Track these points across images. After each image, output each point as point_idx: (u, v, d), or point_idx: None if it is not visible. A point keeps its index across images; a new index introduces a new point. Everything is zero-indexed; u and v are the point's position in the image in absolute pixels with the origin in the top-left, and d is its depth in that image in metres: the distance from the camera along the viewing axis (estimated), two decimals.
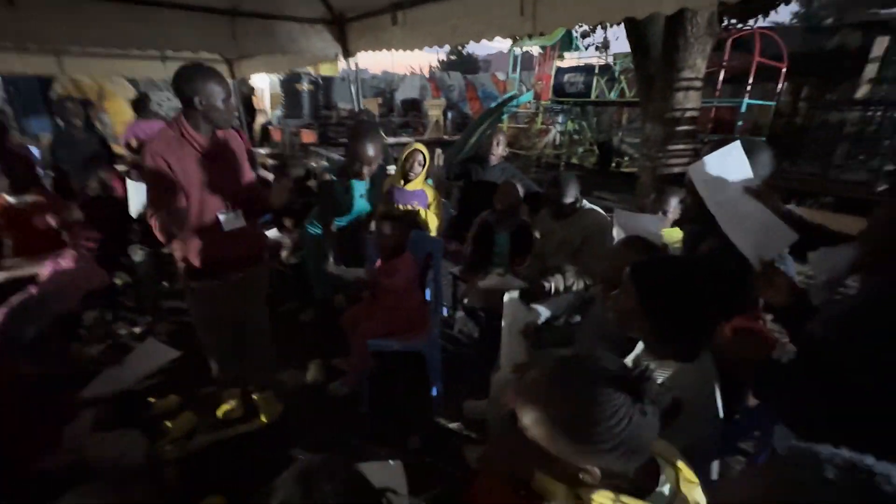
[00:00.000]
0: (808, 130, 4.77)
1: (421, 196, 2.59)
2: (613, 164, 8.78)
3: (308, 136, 9.10)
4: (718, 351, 1.00)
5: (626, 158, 8.89)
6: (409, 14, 3.36)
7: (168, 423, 1.95)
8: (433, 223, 2.53)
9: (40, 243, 2.32)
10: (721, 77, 6.31)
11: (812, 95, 6.87)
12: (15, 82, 8.18)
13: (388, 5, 3.37)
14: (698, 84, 4.34)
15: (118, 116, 8.24)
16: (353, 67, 4.36)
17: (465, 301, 2.38)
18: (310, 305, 2.96)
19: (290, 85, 10.11)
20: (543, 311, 2.10)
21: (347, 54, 4.15)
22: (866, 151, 5.02)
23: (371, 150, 2.23)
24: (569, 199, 2.19)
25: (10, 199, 2.38)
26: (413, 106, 13.10)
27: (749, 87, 5.96)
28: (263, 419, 2.04)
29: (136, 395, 1.91)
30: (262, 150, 7.17)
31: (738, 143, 1.27)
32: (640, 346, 1.25)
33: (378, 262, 2.20)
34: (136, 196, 2.83)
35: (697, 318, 1.00)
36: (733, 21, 6.80)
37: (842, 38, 6.99)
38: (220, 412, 2.03)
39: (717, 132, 6.49)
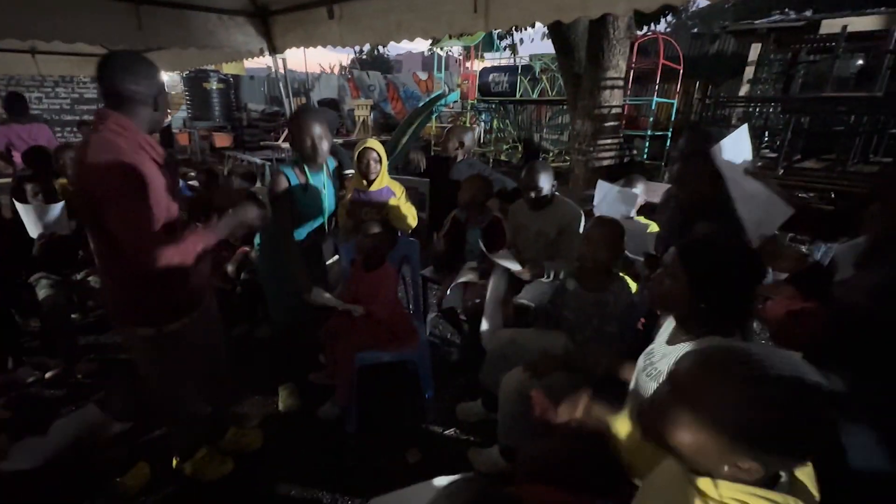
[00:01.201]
0: (706, 124, 5.40)
1: (388, 193, 2.45)
2: (540, 160, 9.20)
3: (222, 140, 8.32)
4: (773, 328, 1.06)
5: (551, 154, 9.39)
6: (346, 7, 3.16)
7: (121, 479, 1.65)
8: (410, 212, 2.40)
9: None
10: (631, 77, 6.88)
11: (701, 95, 7.82)
12: None
13: None
14: (621, 83, 4.70)
15: None
16: (280, 65, 4.02)
17: (443, 303, 2.29)
18: (263, 322, 2.67)
19: (196, 83, 9.11)
20: (526, 303, 2.10)
21: (275, 50, 3.82)
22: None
23: (318, 129, 1.90)
24: (545, 190, 2.21)
25: None
26: (332, 106, 12.60)
27: (656, 88, 6.62)
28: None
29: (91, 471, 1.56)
30: None
31: (744, 128, 1.37)
32: (665, 330, 1.27)
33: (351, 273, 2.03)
34: (29, 217, 2.33)
35: (745, 294, 1.05)
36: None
37: (721, 45, 8.05)
38: (188, 469, 1.74)
39: (629, 128, 7.08)
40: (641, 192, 2.30)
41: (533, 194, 2.20)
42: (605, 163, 4.89)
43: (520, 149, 9.92)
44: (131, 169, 1.25)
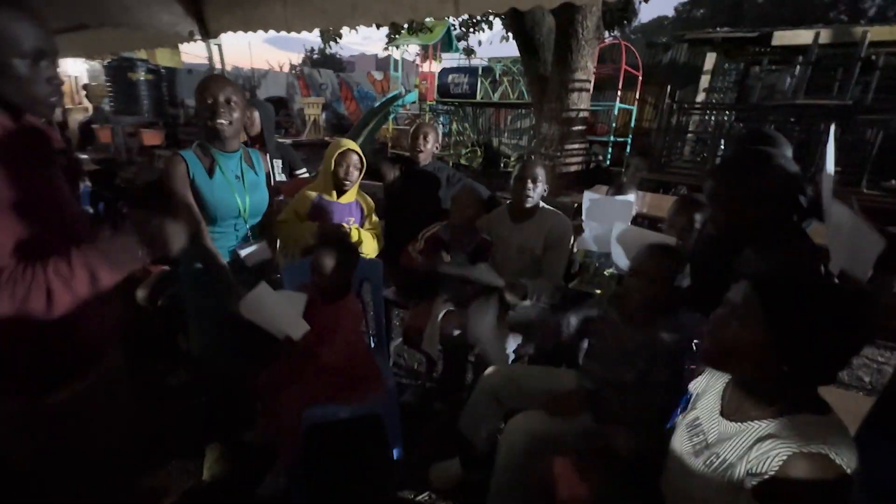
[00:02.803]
0: (667, 131, 5.41)
1: (356, 209, 2.03)
2: (503, 165, 9.05)
3: (151, 138, 7.45)
4: None
5: (511, 159, 9.25)
6: None
7: None
8: (369, 245, 1.99)
9: None
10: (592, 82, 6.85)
11: (661, 101, 8.00)
12: None
13: None
14: (589, 85, 4.54)
15: None
16: (216, 53, 3.49)
17: (423, 345, 1.90)
18: (180, 363, 2.18)
19: (120, 73, 8.09)
20: (510, 340, 1.77)
21: (208, 34, 3.30)
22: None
23: (230, 91, 1.45)
24: (540, 191, 1.91)
25: None
26: (280, 104, 11.87)
27: (619, 93, 6.61)
28: None
29: None
30: (85, 155, 5.57)
31: (832, 136, 1.10)
32: (710, 392, 0.98)
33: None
34: None
35: (849, 354, 0.77)
36: None
37: (674, 54, 8.27)
38: None
39: (589, 134, 7.05)
40: (635, 201, 2.06)
41: (530, 186, 1.88)
42: (573, 168, 4.73)
43: (479, 153, 9.72)
44: None
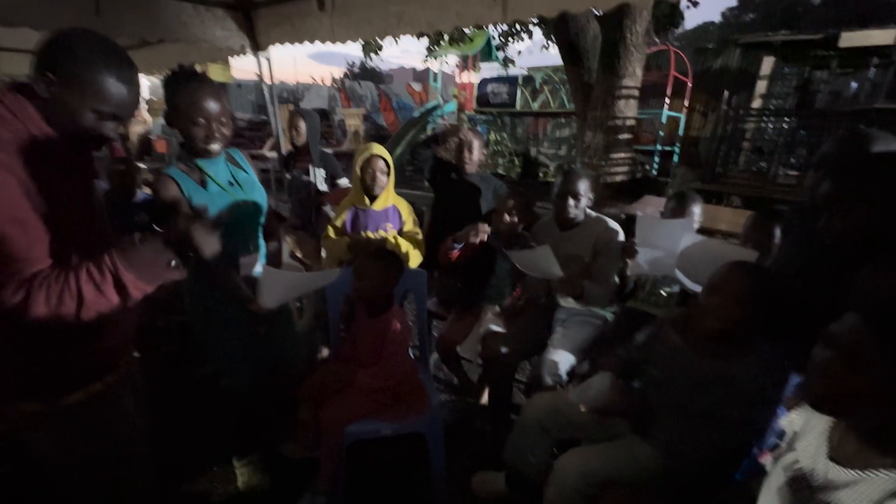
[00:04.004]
0: (722, 139, 5.11)
1: (394, 214, 1.99)
2: (540, 175, 8.89)
3: None
4: None
5: (550, 168, 9.07)
6: None
7: None
8: (419, 244, 1.93)
9: None
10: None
11: (705, 109, 7.62)
12: None
13: None
14: (636, 93, 4.37)
15: None
16: (265, 65, 3.60)
17: (459, 350, 1.82)
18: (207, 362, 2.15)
19: None
20: (563, 358, 1.65)
21: (257, 48, 3.41)
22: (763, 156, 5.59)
23: (212, 103, 1.30)
24: (584, 202, 1.81)
25: None
26: (322, 116, 12.23)
27: (667, 101, 6.34)
28: None
29: None
30: (142, 165, 5.89)
31: None
32: (812, 431, 0.84)
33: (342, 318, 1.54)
34: None
35: None
36: None
37: (726, 59, 7.88)
38: None
39: (635, 143, 6.80)
40: (699, 216, 1.89)
41: (571, 202, 1.78)
42: (619, 178, 4.54)
43: (517, 163, 9.60)
44: None
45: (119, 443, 1.09)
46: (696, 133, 7.93)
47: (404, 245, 1.92)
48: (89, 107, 0.90)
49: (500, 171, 9.40)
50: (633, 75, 4.20)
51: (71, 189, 0.95)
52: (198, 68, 1.40)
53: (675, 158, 6.59)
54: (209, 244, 0.97)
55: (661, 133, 6.53)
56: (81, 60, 0.88)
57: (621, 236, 1.87)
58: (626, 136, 4.47)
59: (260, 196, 1.52)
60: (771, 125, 5.51)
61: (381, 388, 1.46)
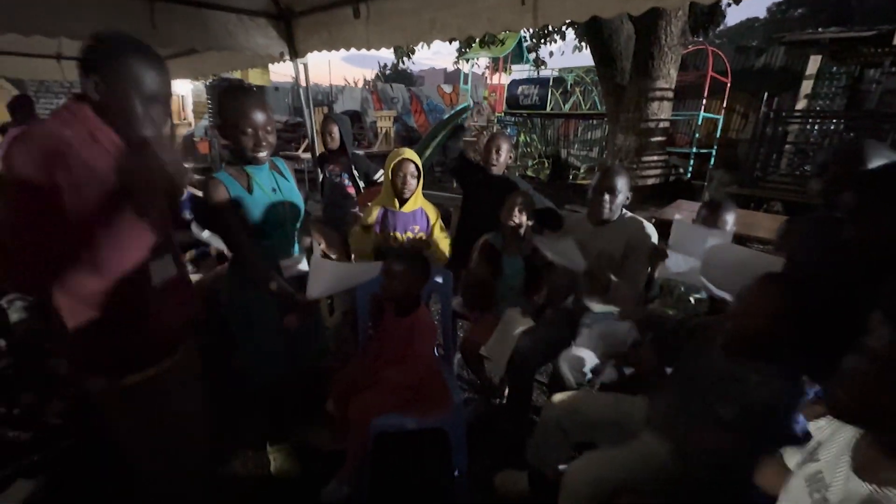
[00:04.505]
0: (762, 141, 4.91)
1: (421, 217, 2.07)
2: (570, 177, 8.80)
3: None
4: None
5: (580, 170, 8.96)
6: (374, 6, 2.88)
7: None
8: (444, 246, 2.01)
9: None
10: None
11: (745, 110, 7.33)
12: None
13: None
14: (670, 94, 4.28)
15: None
16: (302, 71, 3.75)
17: (482, 351, 1.87)
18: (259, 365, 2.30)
19: (218, 91, 9.09)
20: (589, 356, 1.67)
21: (296, 54, 3.57)
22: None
23: (260, 115, 1.43)
24: (621, 198, 1.82)
25: None
26: (354, 117, 12.49)
27: (703, 102, 6.16)
28: None
29: None
30: (186, 165, 6.24)
31: None
32: (836, 441, 0.85)
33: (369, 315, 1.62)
34: None
35: None
36: None
37: (768, 59, 7.57)
38: None
39: (669, 145, 6.64)
40: (732, 224, 1.86)
41: (607, 198, 1.80)
42: (650, 181, 4.46)
43: (546, 165, 9.54)
44: (56, 154, 0.94)
45: (173, 423, 1.20)
46: (735, 135, 7.65)
47: (438, 240, 1.98)
48: (132, 93, 1.02)
49: (529, 172, 9.36)
50: (667, 77, 4.12)
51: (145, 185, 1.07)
52: (237, 75, 1.54)
53: (713, 161, 6.38)
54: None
55: (697, 135, 6.34)
56: (115, 56, 1.00)
57: (655, 238, 1.87)
58: (658, 138, 4.39)
59: (298, 203, 1.63)
60: (816, 127, 5.26)
61: (406, 384, 1.53)
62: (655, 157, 4.45)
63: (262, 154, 1.49)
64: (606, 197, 1.82)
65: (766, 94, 5.03)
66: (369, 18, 2.90)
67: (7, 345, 2.07)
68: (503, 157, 2.32)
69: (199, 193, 3.31)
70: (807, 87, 6.09)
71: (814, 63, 5.96)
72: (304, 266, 1.64)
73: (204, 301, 2.30)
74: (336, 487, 1.61)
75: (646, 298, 1.93)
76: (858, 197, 0.99)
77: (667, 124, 4.42)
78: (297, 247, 1.66)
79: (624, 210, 1.91)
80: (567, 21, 2.48)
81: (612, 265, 1.84)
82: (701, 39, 6.80)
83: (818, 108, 5.95)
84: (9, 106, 3.76)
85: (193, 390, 1.29)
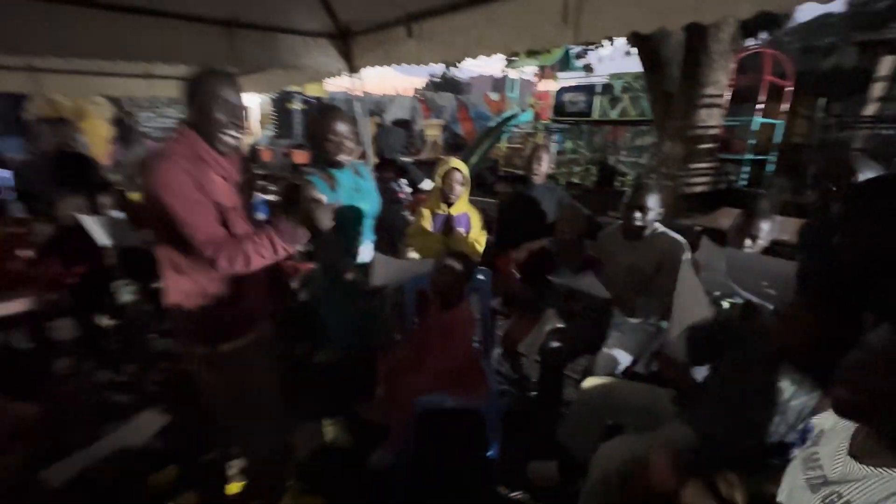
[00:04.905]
0: (822, 147, 4.66)
1: (466, 221, 2.26)
2: (618, 184, 8.66)
3: (300, 157, 8.77)
4: None
5: (628, 177, 8.80)
6: (426, 25, 3.09)
7: None
8: (478, 246, 2.19)
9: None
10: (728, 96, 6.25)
11: (811, 114, 6.90)
12: None
13: (403, 16, 3.10)
14: (720, 101, 4.20)
15: (95, 137, 7.80)
16: (358, 85, 4.06)
17: (519, 347, 2.02)
18: (324, 346, 2.58)
19: (281, 104, 9.82)
20: (622, 356, 1.77)
21: (353, 70, 3.87)
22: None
23: (341, 125, 1.75)
24: (653, 214, 1.91)
25: None
26: (404, 126, 12.93)
27: (759, 107, 5.91)
28: None
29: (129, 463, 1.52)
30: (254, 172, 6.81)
31: None
32: (837, 429, 0.92)
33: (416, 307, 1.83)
34: (94, 228, 2.42)
35: None
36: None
37: (838, 58, 7.10)
38: (232, 489, 1.64)
39: (721, 152, 6.40)
40: (769, 230, 1.88)
41: (638, 214, 1.89)
42: (698, 189, 4.37)
43: (592, 171, 9.43)
44: (178, 171, 1.23)
45: (253, 385, 1.46)
46: (798, 140, 7.23)
47: (478, 243, 2.17)
48: (220, 117, 1.28)
49: (575, 179, 9.29)
50: (716, 83, 4.05)
51: (230, 185, 1.35)
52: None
53: (772, 168, 6.08)
54: (326, 221, 1.34)
55: (753, 141, 6.07)
56: (204, 89, 1.28)
57: (687, 255, 1.93)
58: (707, 145, 4.30)
59: (374, 202, 1.93)
60: (885, 132, 4.91)
61: (448, 368, 1.72)
62: (703, 165, 4.36)
63: (344, 158, 1.79)
64: (637, 214, 1.91)
65: (825, 99, 4.77)
66: (421, 36, 3.11)
67: (115, 323, 2.47)
68: (543, 166, 2.46)
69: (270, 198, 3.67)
70: (879, 89, 5.66)
71: (886, 64, 5.54)
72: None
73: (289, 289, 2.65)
74: (382, 456, 1.82)
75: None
76: (845, 208, 1.06)
77: (716, 131, 4.32)
78: (370, 240, 1.95)
79: (657, 224, 1.98)
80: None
81: (643, 279, 1.92)
82: (757, 43, 6.50)
83: (888, 113, 5.53)
84: (116, 122, 4.35)
85: (269, 360, 1.54)
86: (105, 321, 2.43)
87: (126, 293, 2.38)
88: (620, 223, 2.03)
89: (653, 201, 1.90)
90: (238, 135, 1.36)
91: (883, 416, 0.79)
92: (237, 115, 1.32)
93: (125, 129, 4.41)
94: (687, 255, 1.87)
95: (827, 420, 1.00)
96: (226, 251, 1.24)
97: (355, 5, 3.35)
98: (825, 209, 1.31)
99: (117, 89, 5.28)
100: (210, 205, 1.25)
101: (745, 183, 6.07)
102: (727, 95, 4.87)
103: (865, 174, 1.22)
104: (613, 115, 8.74)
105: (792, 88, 6.23)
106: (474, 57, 2.93)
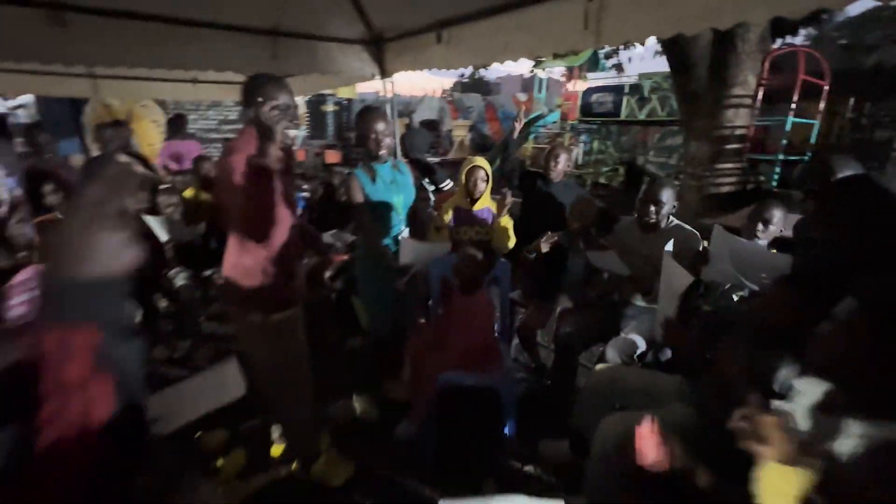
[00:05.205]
0: (858, 147, 4.55)
1: (488, 214, 2.43)
2: (644, 184, 8.59)
3: (332, 157, 9.14)
4: None
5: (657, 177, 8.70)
6: (454, 31, 3.24)
7: (219, 462, 1.78)
8: (510, 229, 2.36)
9: None
10: (760, 95, 6.13)
11: (851, 114, 6.68)
12: (48, 104, 8.36)
13: (434, 23, 3.27)
14: (748, 101, 4.19)
15: (144, 139, 8.35)
16: (389, 88, 4.26)
17: (540, 337, 2.17)
18: (356, 333, 2.80)
19: (315, 106, 10.25)
20: (640, 341, 1.88)
21: (384, 74, 4.07)
22: None
23: (381, 124, 2.02)
24: (666, 208, 2.01)
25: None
26: (432, 126, 13.14)
27: (793, 106, 5.78)
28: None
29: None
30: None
31: None
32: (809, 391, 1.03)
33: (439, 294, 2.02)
34: (156, 226, 2.74)
35: None
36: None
37: (880, 56, 6.83)
38: (275, 451, 1.85)
39: (754, 152, 6.29)
40: (781, 217, 1.96)
41: (653, 209, 2.00)
42: (724, 189, 4.36)
43: (620, 171, 9.37)
44: (248, 164, 1.43)
45: (296, 353, 1.67)
46: (837, 140, 7.00)
47: (505, 227, 2.33)
48: (272, 110, 1.49)
49: (602, 180, 9.27)
50: (744, 83, 4.04)
51: (283, 179, 1.56)
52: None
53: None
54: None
55: (785, 141, 5.94)
56: (260, 91, 1.48)
57: (700, 246, 2.02)
58: (734, 145, 4.29)
59: (409, 195, 2.19)
60: None
61: (467, 348, 1.88)
62: (730, 165, 4.34)
63: (382, 153, 2.05)
64: (652, 208, 2.01)
65: (862, 99, 4.65)
66: (449, 42, 3.27)
67: (171, 306, 2.75)
68: (560, 166, 2.58)
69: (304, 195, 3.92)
70: None
71: None
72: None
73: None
74: (406, 427, 2.00)
75: (692, 297, 2.08)
76: (818, 204, 1.16)
77: (744, 131, 4.29)
78: (403, 228, 2.19)
79: (671, 218, 2.08)
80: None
81: (658, 269, 2.02)
82: (789, 41, 6.33)
83: None
84: (169, 122, 4.73)
85: (309, 333, 1.75)
86: (163, 303, 2.72)
87: (180, 279, 2.67)
88: (636, 217, 2.14)
89: (666, 195, 2.00)
90: (292, 130, 1.57)
91: (847, 375, 0.91)
92: (290, 113, 1.53)
93: (178, 126, 4.77)
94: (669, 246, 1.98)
95: (801, 381, 1.11)
96: (276, 230, 1.46)
97: (389, 13, 3.54)
98: (806, 206, 1.40)
99: (166, 93, 5.72)
100: (273, 194, 1.47)
101: (775, 184, 5.95)
102: (760, 95, 4.84)
103: (845, 174, 1.30)
104: (642, 115, 8.67)
105: (828, 88, 6.06)
106: (500, 62, 3.07)
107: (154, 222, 2.74)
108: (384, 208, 2.10)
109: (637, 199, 2.10)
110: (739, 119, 4.20)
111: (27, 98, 7.71)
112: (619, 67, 10.61)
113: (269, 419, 1.95)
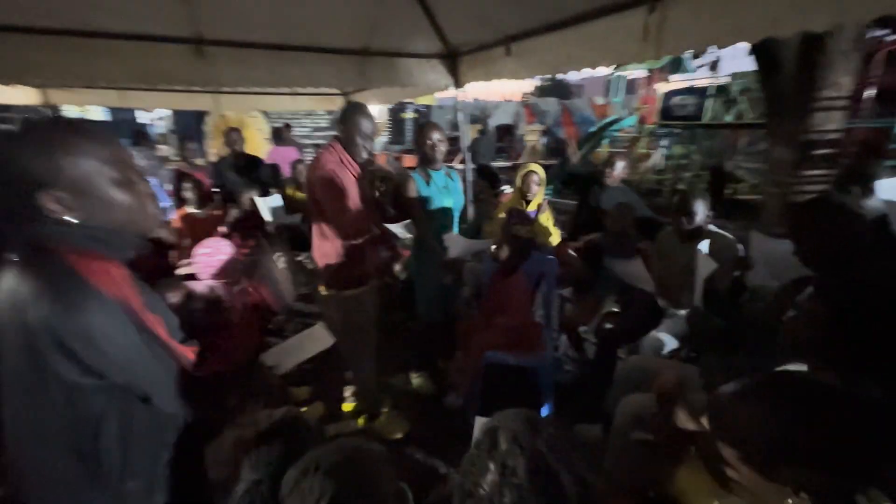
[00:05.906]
0: None
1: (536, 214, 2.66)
2: (730, 191, 8.04)
3: (409, 161, 9.75)
4: None
5: (746, 184, 8.10)
6: (522, 45, 3.47)
7: (303, 410, 2.21)
8: (552, 227, 2.58)
9: None
10: (864, 95, 5.55)
11: None
12: (178, 115, 9.92)
13: (503, 38, 3.52)
14: (841, 103, 3.88)
15: (251, 144, 9.58)
16: (462, 97, 4.58)
17: (583, 328, 2.36)
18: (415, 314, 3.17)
19: (395, 113, 11.04)
20: (668, 340, 2.00)
21: (458, 85, 4.39)
22: None
23: (436, 135, 2.33)
24: (698, 218, 2.09)
25: (194, 210, 2.94)
26: (507, 131, 13.34)
27: None
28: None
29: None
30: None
31: None
32: None
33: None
34: (262, 207, 3.31)
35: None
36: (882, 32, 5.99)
37: None
38: (346, 407, 2.25)
39: (866, 157, 5.66)
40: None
41: (684, 220, 2.10)
42: (810, 197, 4.05)
43: (704, 177, 8.81)
44: (329, 172, 1.83)
45: (366, 325, 2.04)
46: None
47: (539, 230, 2.56)
48: (358, 136, 1.87)
49: (681, 185, 8.80)
50: (836, 84, 3.74)
51: (360, 184, 1.93)
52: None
53: None
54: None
55: (895, 146, 5.29)
56: (349, 117, 1.86)
57: (740, 253, 2.06)
58: (823, 151, 3.98)
59: (459, 199, 2.54)
60: None
61: (507, 329, 2.14)
62: (819, 172, 4.03)
63: (437, 158, 2.37)
64: (683, 220, 2.10)
65: None
66: (518, 54, 3.50)
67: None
68: (616, 172, 2.72)
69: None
70: None
71: None
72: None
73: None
74: (454, 398, 2.31)
75: (735, 303, 2.11)
76: (790, 219, 1.26)
77: (836, 135, 3.97)
78: (456, 226, 2.49)
79: (710, 227, 2.14)
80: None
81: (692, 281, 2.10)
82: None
83: None
84: (274, 130, 5.52)
85: (377, 309, 2.12)
86: None
87: (280, 263, 3.22)
88: (672, 226, 2.23)
89: (697, 206, 2.08)
90: (370, 150, 1.95)
91: (814, 349, 1.03)
92: (370, 136, 1.90)
93: (284, 138, 5.55)
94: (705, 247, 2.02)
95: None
96: (349, 225, 1.85)
97: (463, 30, 3.86)
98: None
99: (269, 105, 6.62)
100: (347, 196, 1.85)
101: None
102: (866, 94, 4.42)
103: None
104: (728, 118, 8.12)
105: None
106: (564, 73, 3.25)
107: (262, 203, 3.31)
108: (437, 209, 2.41)
109: (671, 211, 2.20)
110: (831, 122, 3.90)
111: (165, 111, 9.21)
112: (713, 66, 9.95)
113: (341, 380, 2.35)
